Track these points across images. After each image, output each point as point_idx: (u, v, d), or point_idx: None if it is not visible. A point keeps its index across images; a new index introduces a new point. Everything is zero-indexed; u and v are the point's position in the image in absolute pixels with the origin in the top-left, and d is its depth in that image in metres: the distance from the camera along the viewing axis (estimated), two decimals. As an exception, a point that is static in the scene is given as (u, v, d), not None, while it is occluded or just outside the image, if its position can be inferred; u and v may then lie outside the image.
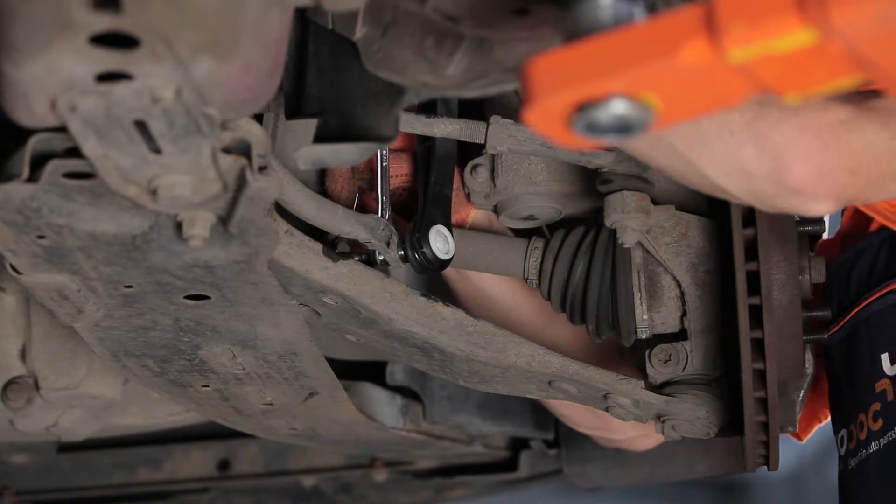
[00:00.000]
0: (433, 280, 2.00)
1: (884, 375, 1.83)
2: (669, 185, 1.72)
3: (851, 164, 1.34)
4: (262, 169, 1.18)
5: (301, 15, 1.29)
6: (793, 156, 1.32)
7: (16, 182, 1.16)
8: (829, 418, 2.10)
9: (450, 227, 1.64)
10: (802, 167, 1.32)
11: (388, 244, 1.58)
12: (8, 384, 1.94)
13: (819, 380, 2.07)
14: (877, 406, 1.83)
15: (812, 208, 1.37)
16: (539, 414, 2.49)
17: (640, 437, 2.09)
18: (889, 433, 1.79)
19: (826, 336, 1.84)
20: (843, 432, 1.90)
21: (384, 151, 1.66)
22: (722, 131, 1.32)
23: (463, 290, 1.93)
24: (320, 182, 1.77)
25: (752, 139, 1.32)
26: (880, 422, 1.81)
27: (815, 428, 2.17)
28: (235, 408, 1.85)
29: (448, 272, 1.90)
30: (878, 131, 1.34)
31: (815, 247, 1.83)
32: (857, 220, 2.00)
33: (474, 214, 1.81)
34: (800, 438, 2.20)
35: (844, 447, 1.89)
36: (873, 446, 1.82)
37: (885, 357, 1.84)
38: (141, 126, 1.07)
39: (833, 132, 1.33)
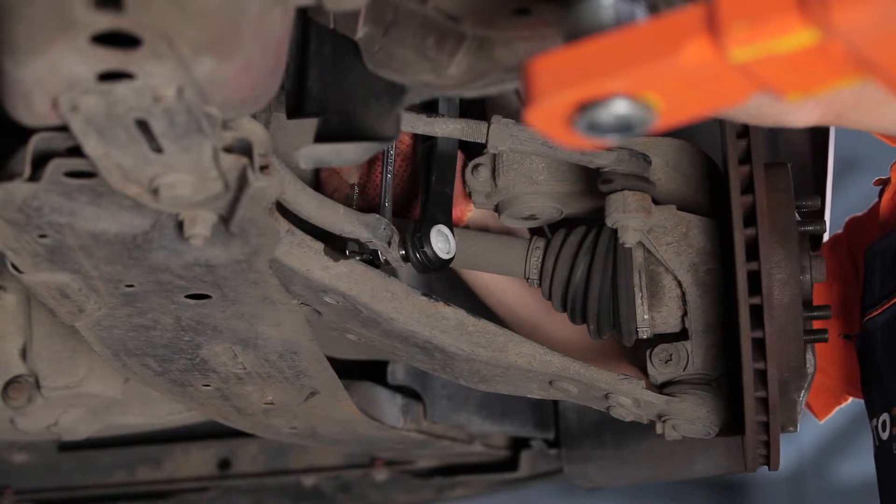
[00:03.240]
0: (434, 280, 1.99)
1: None
2: (670, 185, 1.72)
3: None
4: (263, 168, 1.18)
5: (302, 14, 1.29)
6: None
7: (17, 181, 1.16)
8: (850, 401, 2.09)
9: (451, 226, 1.65)
10: None
11: (389, 244, 1.58)
12: (9, 383, 1.94)
13: (846, 363, 2.06)
14: None
15: (799, 116, 1.33)
16: (539, 414, 2.49)
17: None
18: None
19: (825, 336, 1.84)
20: (885, 416, 1.89)
21: (391, 154, 1.66)
22: None
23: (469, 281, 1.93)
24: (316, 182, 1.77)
25: None
26: None
27: (836, 409, 2.15)
28: (236, 407, 1.86)
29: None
30: None
31: (818, 246, 1.83)
32: None
33: (471, 213, 1.81)
34: (819, 417, 2.19)
35: (888, 431, 1.88)
36: None
37: None
38: (142, 125, 1.07)
39: None
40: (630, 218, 1.63)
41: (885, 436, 1.88)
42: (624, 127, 0.90)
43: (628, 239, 1.64)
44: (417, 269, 1.63)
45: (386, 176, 1.66)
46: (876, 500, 1.94)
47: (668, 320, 1.71)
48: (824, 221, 1.76)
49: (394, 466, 2.62)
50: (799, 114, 1.33)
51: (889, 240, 1.91)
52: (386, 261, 1.61)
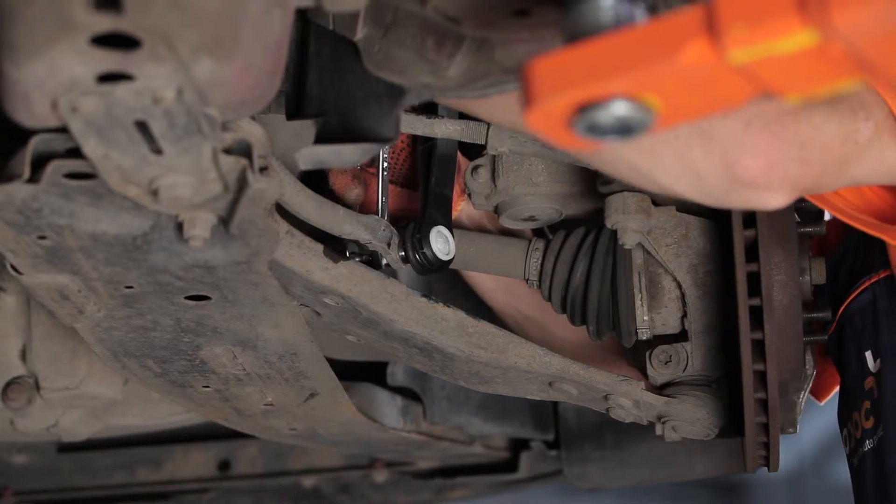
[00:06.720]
0: (434, 281, 1.99)
1: (869, 373, 1.83)
2: (670, 186, 1.72)
3: (802, 154, 1.32)
4: (262, 170, 1.18)
5: (302, 16, 1.29)
6: (741, 150, 1.29)
7: (17, 182, 1.16)
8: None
9: (450, 227, 1.65)
10: (752, 161, 1.30)
11: (388, 245, 1.58)
12: (8, 384, 1.94)
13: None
14: (867, 404, 1.83)
15: (768, 201, 1.35)
16: (539, 415, 2.49)
17: None
18: (879, 430, 1.79)
19: (826, 337, 1.84)
20: (845, 432, 1.90)
21: (385, 153, 1.66)
22: (667, 135, 1.29)
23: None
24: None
25: (698, 139, 1.30)
26: (872, 419, 1.81)
27: (835, 391, 2.15)
28: (236, 408, 1.85)
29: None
30: (826, 117, 1.33)
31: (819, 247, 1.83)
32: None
33: (461, 209, 1.80)
34: (818, 400, 2.19)
35: (848, 447, 1.89)
36: (867, 444, 1.81)
37: (868, 354, 1.84)
38: (142, 126, 1.07)
39: (780, 122, 1.31)
40: (630, 219, 1.63)
41: (847, 451, 1.90)
42: (623, 128, 0.90)
43: (628, 240, 1.64)
44: (417, 270, 1.63)
45: (384, 174, 1.66)
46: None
47: (668, 321, 1.71)
48: (824, 222, 1.76)
49: (394, 467, 2.62)
50: (766, 198, 1.33)
51: (835, 258, 1.92)
52: (386, 262, 1.61)
